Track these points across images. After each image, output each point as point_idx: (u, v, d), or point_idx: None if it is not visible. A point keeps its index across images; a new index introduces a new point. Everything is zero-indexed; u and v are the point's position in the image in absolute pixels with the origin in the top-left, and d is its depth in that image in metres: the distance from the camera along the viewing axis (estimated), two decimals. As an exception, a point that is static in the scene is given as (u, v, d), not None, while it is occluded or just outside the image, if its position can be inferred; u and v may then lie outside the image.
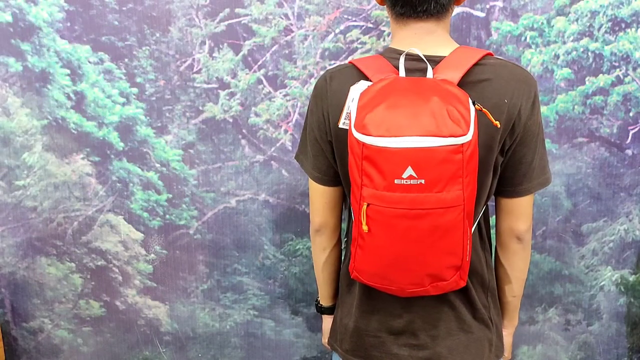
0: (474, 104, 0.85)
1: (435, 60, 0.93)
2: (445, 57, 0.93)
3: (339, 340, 1.12)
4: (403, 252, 0.88)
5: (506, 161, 0.98)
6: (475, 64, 0.92)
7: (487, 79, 0.92)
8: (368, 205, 0.87)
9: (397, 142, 0.81)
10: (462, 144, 0.81)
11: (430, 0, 0.92)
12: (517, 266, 1.08)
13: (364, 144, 0.84)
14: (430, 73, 0.90)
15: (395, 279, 0.91)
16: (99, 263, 1.76)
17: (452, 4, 0.96)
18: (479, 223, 1.03)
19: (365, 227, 0.88)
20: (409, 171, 0.82)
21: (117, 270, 1.77)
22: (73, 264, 1.76)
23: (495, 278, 1.10)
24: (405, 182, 0.82)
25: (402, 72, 0.92)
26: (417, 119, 0.81)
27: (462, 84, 0.91)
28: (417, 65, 0.93)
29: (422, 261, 0.88)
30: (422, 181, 0.82)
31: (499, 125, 0.87)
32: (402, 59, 0.92)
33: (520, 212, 1.02)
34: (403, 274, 0.90)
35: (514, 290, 1.10)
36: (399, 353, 1.04)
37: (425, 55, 0.93)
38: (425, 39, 0.95)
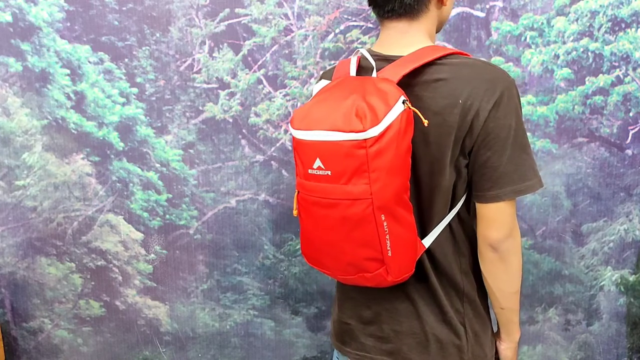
0: (403, 102, 0.86)
1: (393, 60, 0.95)
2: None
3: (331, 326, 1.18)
4: (324, 239, 0.93)
5: (471, 164, 0.95)
6: (433, 63, 0.92)
7: (443, 79, 0.91)
8: (298, 192, 0.94)
9: (309, 135, 0.88)
10: (365, 139, 0.83)
11: (394, 1, 0.94)
12: (497, 277, 1.00)
13: (292, 136, 0.92)
14: (374, 72, 0.93)
15: (325, 264, 0.97)
16: (99, 263, 1.76)
17: (424, 4, 0.95)
18: (450, 226, 1.00)
19: (295, 212, 0.96)
20: (318, 162, 0.88)
21: (117, 270, 1.77)
22: (73, 264, 1.76)
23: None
24: (316, 173, 0.88)
25: (352, 72, 0.97)
26: (331, 114, 0.86)
27: (415, 83, 0.92)
28: (371, 64, 0.96)
29: (340, 250, 0.92)
30: (329, 172, 0.87)
31: (426, 124, 0.88)
32: (353, 59, 0.97)
33: (491, 219, 0.95)
34: (329, 260, 0.95)
35: (500, 302, 1.03)
36: (365, 343, 1.06)
37: (389, 55, 0.96)
38: (397, 38, 0.98)
